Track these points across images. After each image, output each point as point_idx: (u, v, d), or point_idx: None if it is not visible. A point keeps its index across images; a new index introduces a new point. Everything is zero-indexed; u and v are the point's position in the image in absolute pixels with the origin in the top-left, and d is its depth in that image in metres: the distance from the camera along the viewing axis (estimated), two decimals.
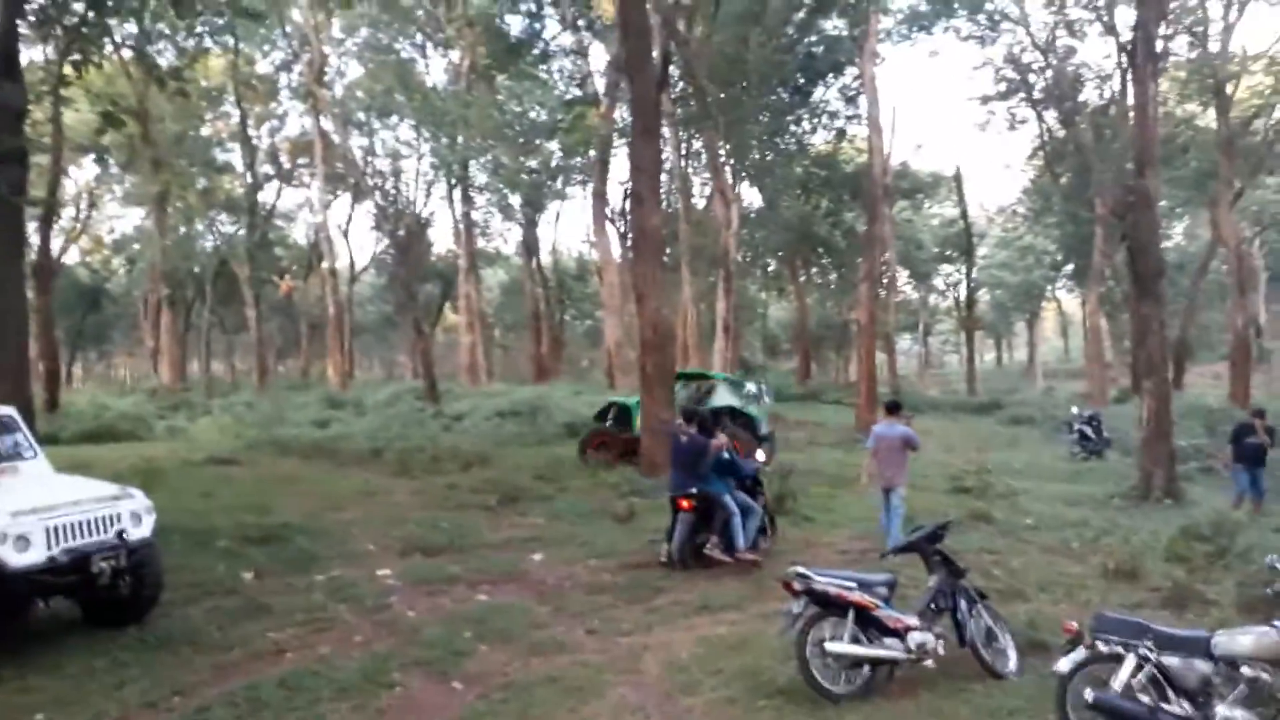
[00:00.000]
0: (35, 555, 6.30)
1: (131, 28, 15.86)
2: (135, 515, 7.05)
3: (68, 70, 13.98)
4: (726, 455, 9.27)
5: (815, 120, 34.26)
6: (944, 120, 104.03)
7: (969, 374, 45.98)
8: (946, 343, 76.45)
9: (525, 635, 7.12)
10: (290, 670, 6.23)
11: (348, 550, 9.77)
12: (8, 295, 12.17)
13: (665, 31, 22.92)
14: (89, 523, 6.73)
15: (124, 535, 6.84)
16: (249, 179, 37.69)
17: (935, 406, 33.58)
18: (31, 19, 12.76)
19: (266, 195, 40.77)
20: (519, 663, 6.53)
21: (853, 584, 5.95)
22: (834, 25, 29.59)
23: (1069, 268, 48.05)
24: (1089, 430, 20.23)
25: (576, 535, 10.71)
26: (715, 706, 5.73)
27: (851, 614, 5.84)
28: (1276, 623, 4.63)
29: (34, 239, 20.81)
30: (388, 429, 19.47)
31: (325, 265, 38.14)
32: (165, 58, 20.42)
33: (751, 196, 38.56)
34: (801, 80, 31.19)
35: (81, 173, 37.45)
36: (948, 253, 51.24)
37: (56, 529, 6.49)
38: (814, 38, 29.84)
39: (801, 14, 27.82)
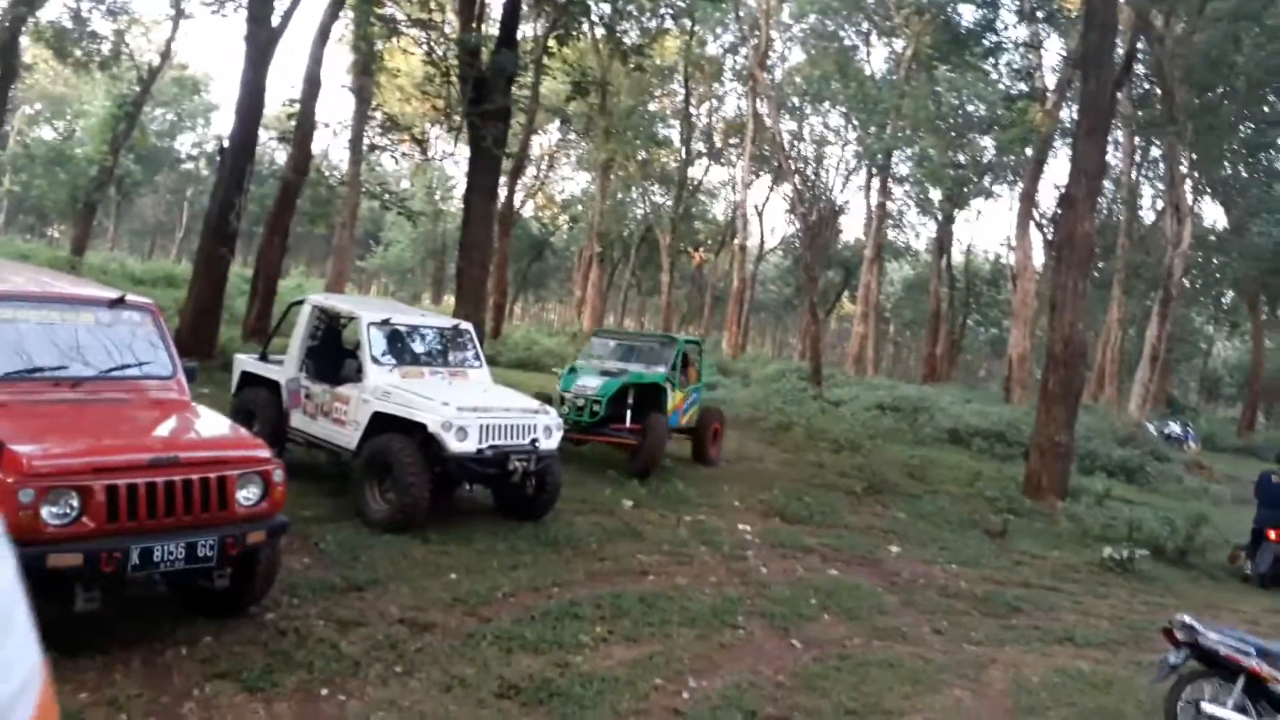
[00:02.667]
0: (469, 445, 7.52)
1: (606, 7, 17.77)
2: (548, 429, 8.11)
3: (551, 43, 16.06)
4: None
5: None
6: None
7: None
8: None
9: (870, 617, 7.13)
10: (650, 590, 6.84)
11: (716, 501, 10.37)
12: (481, 230, 14.42)
13: (1137, 26, 20.78)
14: (513, 427, 7.88)
15: (536, 443, 7.91)
16: (683, 154, 40.42)
17: None
18: None
19: (695, 171, 43.45)
20: (860, 640, 6.57)
21: (1250, 649, 5.19)
22: None
23: None
24: None
25: (939, 538, 10.39)
26: None
27: (1242, 680, 5.11)
28: None
29: (502, 190, 24.16)
30: (768, 401, 20.09)
31: (737, 242, 39.90)
32: (630, 36, 22.63)
33: (1213, 215, 33.82)
34: None
35: (546, 137, 42.60)
36: None
37: (488, 427, 7.68)
38: None
39: None
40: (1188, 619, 5.42)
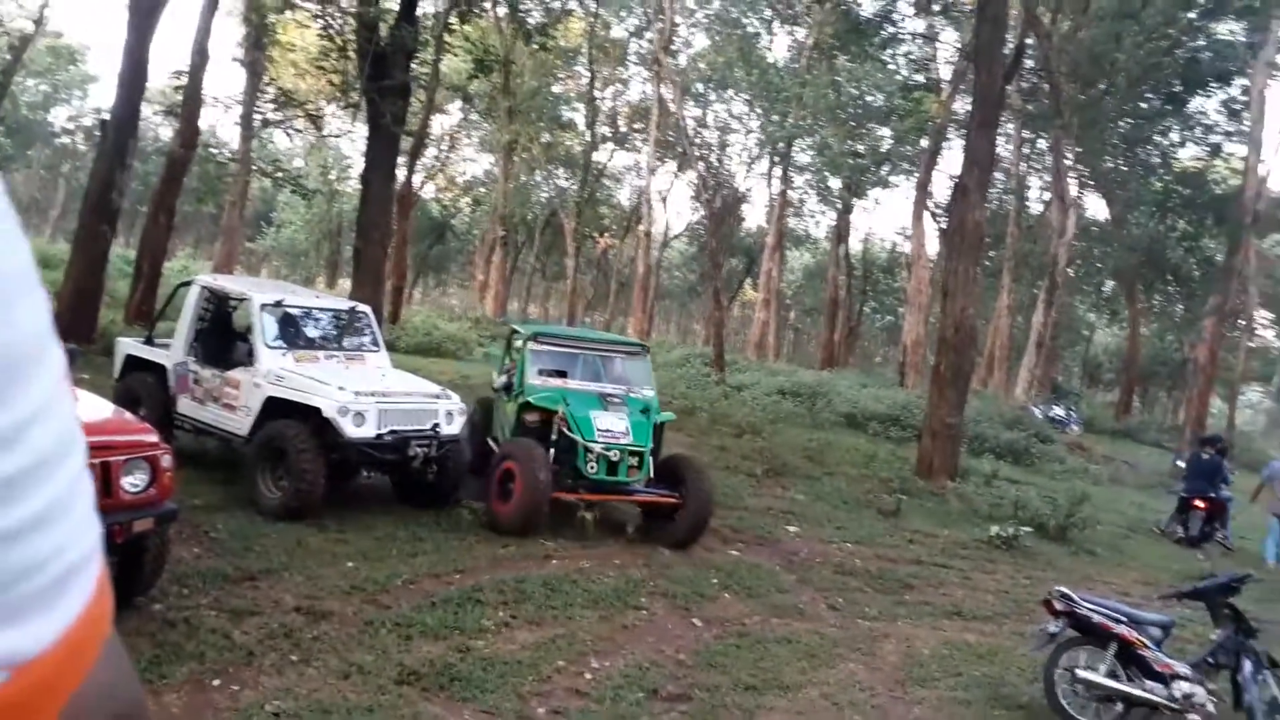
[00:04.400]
0: (367, 430, 7.35)
1: None
2: (449, 414, 7.99)
3: (453, 20, 15.75)
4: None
5: (1187, 133, 30.81)
6: None
7: None
8: None
9: (768, 595, 7.29)
10: (553, 574, 6.83)
11: None
12: (379, 211, 14.07)
13: (1026, 21, 21.58)
14: (413, 412, 7.74)
15: (437, 428, 7.79)
16: (587, 138, 40.29)
17: None
18: None
19: (600, 155, 43.36)
20: (759, 617, 6.71)
21: (1122, 617, 5.50)
22: (1228, 30, 26.31)
23: None
24: None
25: (836, 518, 10.67)
26: (947, 705, 5.58)
27: (1114, 647, 5.41)
28: None
29: (401, 170, 23.65)
30: (673, 387, 20.25)
31: (642, 228, 40.04)
32: (533, 16, 22.37)
33: (1096, 208, 35.49)
34: (1178, 87, 28.09)
35: (447, 117, 41.85)
36: None
37: (386, 412, 7.52)
38: (1201, 41, 26.71)
39: (1192, 14, 25.01)
40: (1065, 591, 5.70)
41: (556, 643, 5.55)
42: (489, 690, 4.77)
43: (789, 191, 38.42)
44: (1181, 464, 15.50)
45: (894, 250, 50.87)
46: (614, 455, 7.89)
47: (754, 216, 51.65)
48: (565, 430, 7.96)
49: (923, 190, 31.26)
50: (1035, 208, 35.74)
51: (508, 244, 42.72)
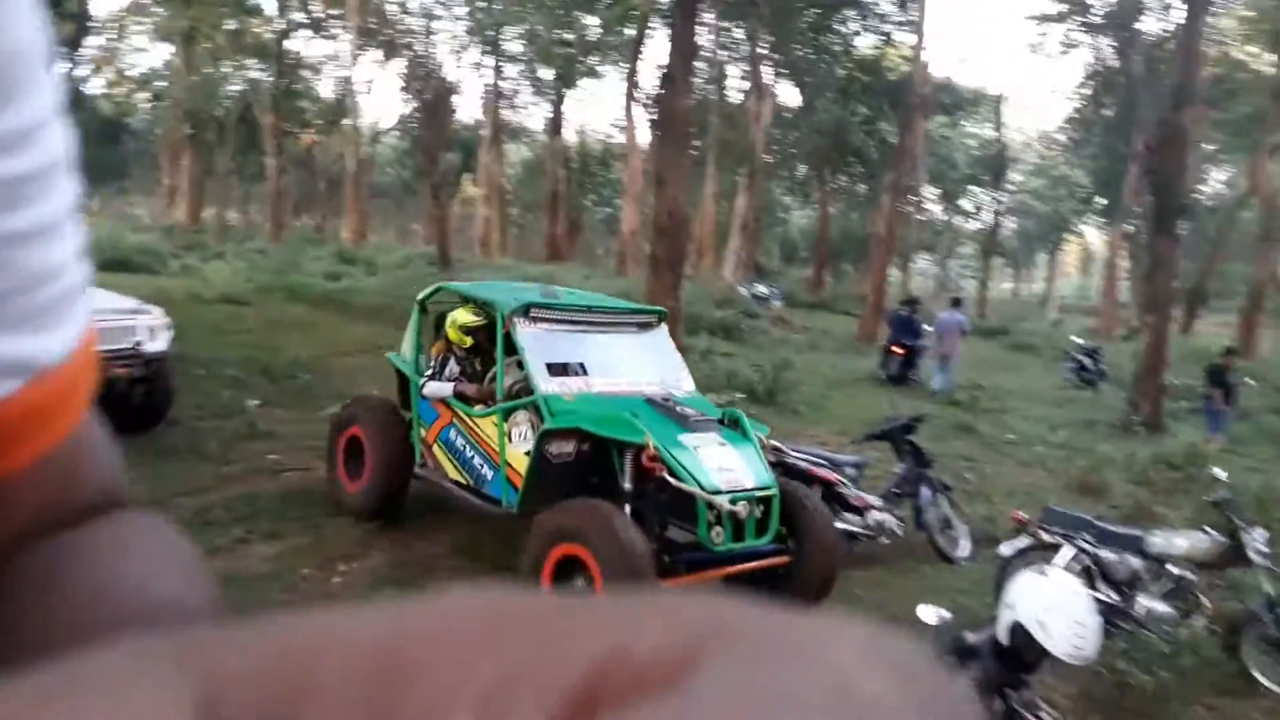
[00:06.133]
0: None
1: None
2: (151, 330, 7.37)
3: None
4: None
5: (863, 21, 33.38)
6: (995, 37, 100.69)
7: (981, 299, 45.91)
8: (967, 267, 75.89)
9: None
10: (290, 487, 6.65)
11: (354, 391, 10.02)
12: None
13: None
14: (110, 330, 7.05)
15: (140, 346, 7.17)
16: (280, 24, 37.02)
17: None
18: None
19: (296, 44, 40.07)
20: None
21: (824, 461, 6.28)
22: None
23: (1098, 203, 47.40)
24: (1087, 361, 20.43)
25: None
26: None
27: (819, 489, 6.18)
28: (1208, 529, 4.95)
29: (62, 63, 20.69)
30: (397, 289, 19.75)
31: (348, 122, 37.82)
32: None
33: (789, 96, 37.83)
34: None
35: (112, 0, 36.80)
36: (979, 174, 50.44)
37: None
38: None
39: None
40: (775, 443, 6.38)
41: (300, 552, 5.47)
42: (229, 606, 4.65)
43: (501, 83, 37.70)
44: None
45: (608, 143, 51.73)
46: (741, 509, 5.06)
47: (469, 109, 50.31)
48: (660, 476, 5.00)
49: (631, 80, 31.84)
50: (735, 97, 37.54)
51: (197, 144, 38.83)
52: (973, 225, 59.93)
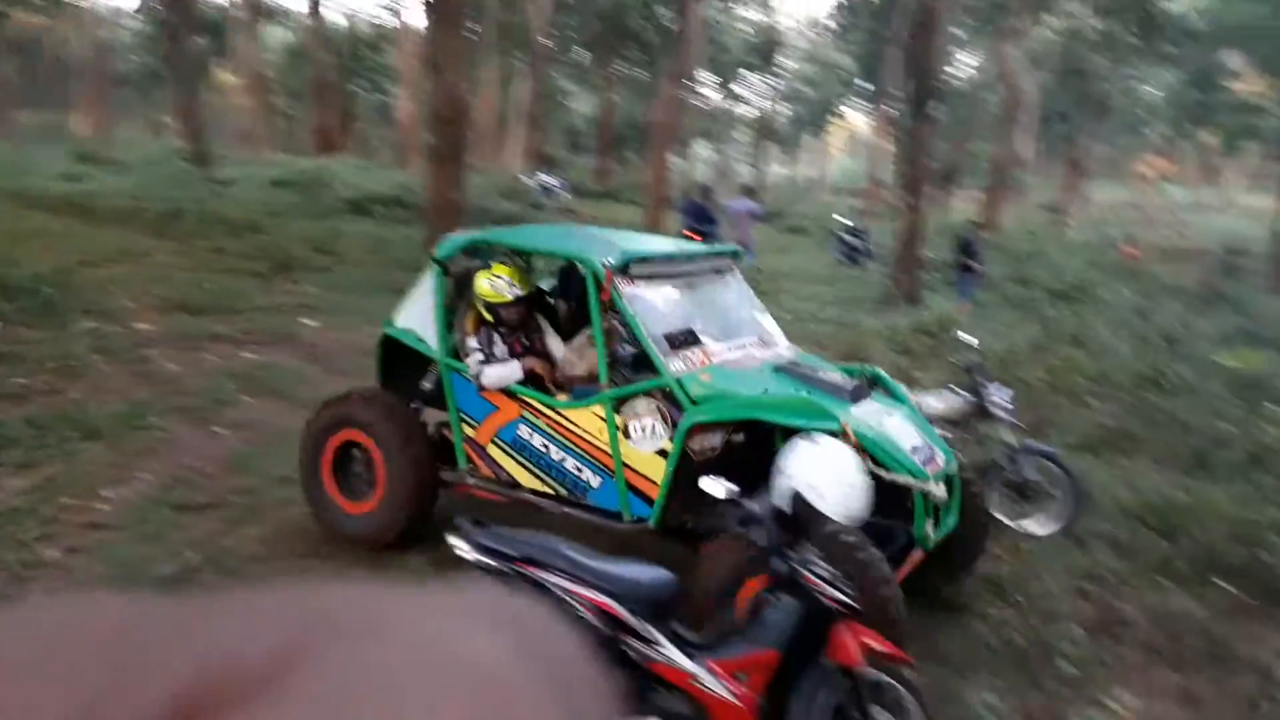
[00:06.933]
0: None
1: None
2: None
3: None
4: None
5: None
6: None
7: (758, 184, 47.62)
8: (743, 153, 78.16)
9: (294, 392, 7.22)
10: (37, 413, 6.07)
11: (104, 306, 9.27)
12: None
13: None
14: None
15: None
16: None
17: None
18: None
19: None
20: (286, 414, 6.64)
21: None
22: None
23: (864, 88, 49.78)
24: (855, 241, 21.81)
25: (353, 305, 10.67)
26: None
27: None
28: (955, 388, 5.51)
29: None
30: (149, 189, 18.03)
31: (80, 2, 33.42)
32: None
33: None
34: None
35: None
36: (752, 60, 51.53)
37: None
38: None
39: None
40: None
41: (56, 481, 5.06)
42: None
43: None
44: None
45: (379, 26, 48.60)
46: (940, 492, 4.21)
47: None
48: (871, 468, 4.07)
49: None
50: None
51: None
52: (747, 111, 61.59)
